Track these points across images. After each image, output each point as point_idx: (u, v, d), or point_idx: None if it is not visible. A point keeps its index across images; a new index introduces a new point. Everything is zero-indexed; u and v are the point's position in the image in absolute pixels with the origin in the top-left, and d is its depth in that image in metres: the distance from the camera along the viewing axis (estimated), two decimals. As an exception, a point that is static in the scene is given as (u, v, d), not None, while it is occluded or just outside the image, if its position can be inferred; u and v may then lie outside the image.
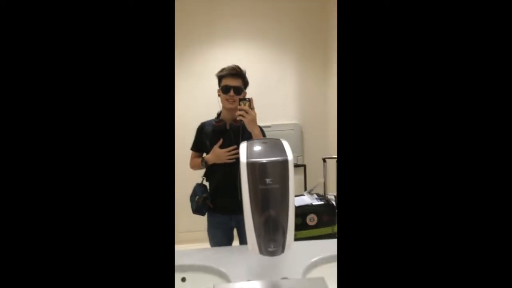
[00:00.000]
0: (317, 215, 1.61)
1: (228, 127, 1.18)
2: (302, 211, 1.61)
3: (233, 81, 1.12)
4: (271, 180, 0.47)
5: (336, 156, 1.85)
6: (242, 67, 1.18)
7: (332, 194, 1.83)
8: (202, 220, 1.29)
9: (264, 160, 0.47)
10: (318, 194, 1.80)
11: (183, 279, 0.93)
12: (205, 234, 1.29)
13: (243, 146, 0.52)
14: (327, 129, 2.42)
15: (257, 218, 0.48)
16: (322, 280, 0.76)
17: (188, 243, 1.90)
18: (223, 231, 1.23)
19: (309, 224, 1.60)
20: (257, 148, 0.51)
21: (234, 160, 1.13)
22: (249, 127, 1.05)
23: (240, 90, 1.14)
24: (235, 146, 1.12)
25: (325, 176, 1.87)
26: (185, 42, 2.26)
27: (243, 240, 1.22)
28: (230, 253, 1.03)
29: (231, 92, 1.13)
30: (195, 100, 2.26)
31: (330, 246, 1.05)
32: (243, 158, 0.48)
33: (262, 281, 0.78)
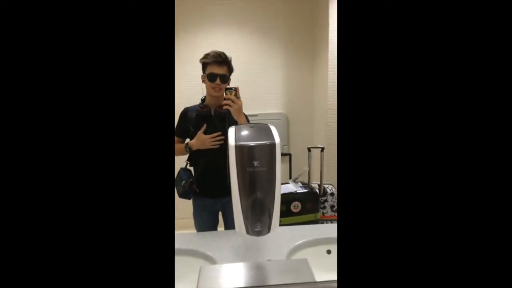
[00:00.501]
0: (301, 203, 1.66)
1: (212, 113, 1.18)
2: (286, 199, 1.64)
3: (219, 69, 1.12)
4: (258, 163, 0.48)
5: (321, 146, 1.89)
6: (227, 53, 1.17)
7: (316, 183, 1.88)
8: (186, 207, 1.29)
9: (252, 143, 0.48)
10: (302, 183, 1.84)
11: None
12: (188, 222, 1.30)
13: (231, 130, 0.53)
14: (313, 119, 2.46)
15: (244, 199, 0.50)
16: (305, 261, 0.80)
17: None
18: (209, 214, 1.25)
19: (293, 211, 1.64)
20: (245, 132, 0.52)
21: (218, 146, 1.14)
22: (235, 116, 1.06)
23: (226, 78, 1.14)
24: (219, 133, 1.13)
25: (309, 165, 1.91)
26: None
27: (228, 225, 1.25)
28: (216, 237, 1.05)
29: (217, 81, 1.13)
30: (178, 86, 2.23)
31: (313, 231, 1.09)
32: (231, 141, 0.49)
33: (248, 263, 0.81)
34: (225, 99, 1.07)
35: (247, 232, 0.52)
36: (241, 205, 0.50)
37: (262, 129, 0.53)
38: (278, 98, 2.47)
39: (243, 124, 1.06)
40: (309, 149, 1.96)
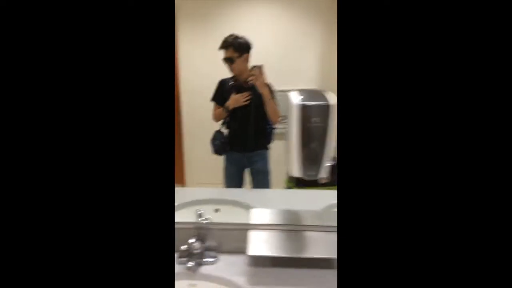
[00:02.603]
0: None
1: (243, 84, 1.34)
2: (316, 170, 1.77)
3: (226, 53, 1.29)
4: (317, 119, 0.60)
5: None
6: (252, 32, 1.30)
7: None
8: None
9: (313, 103, 0.60)
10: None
11: (217, 210, 1.11)
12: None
13: (294, 93, 0.64)
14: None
15: (302, 149, 0.62)
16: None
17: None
18: (237, 167, 1.44)
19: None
20: (307, 94, 0.63)
21: (248, 103, 1.32)
22: (260, 89, 1.24)
23: (230, 60, 1.30)
24: (248, 92, 1.30)
25: (340, 141, 1.99)
26: (205, 3, 2.27)
27: (254, 175, 1.41)
28: (255, 194, 1.20)
29: (228, 63, 1.30)
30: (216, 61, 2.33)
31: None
32: (295, 101, 0.61)
33: (291, 209, 0.95)
34: (251, 74, 1.25)
35: (301, 175, 0.64)
36: (300, 154, 0.63)
37: (321, 94, 0.64)
38: (314, 75, 2.50)
39: (266, 95, 1.23)
40: (340, 125, 2.03)
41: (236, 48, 1.30)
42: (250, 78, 1.23)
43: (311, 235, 0.80)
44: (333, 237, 0.80)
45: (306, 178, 0.64)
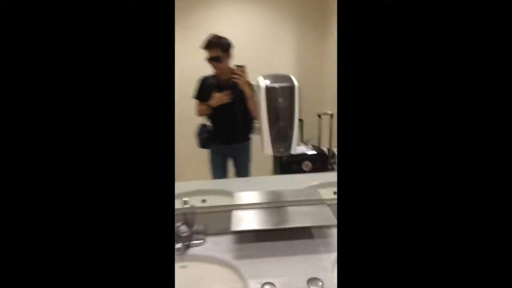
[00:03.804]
0: (312, 162, 1.85)
1: (223, 82, 1.42)
2: (299, 158, 1.84)
3: (211, 53, 1.36)
4: (282, 100, 0.66)
5: (330, 113, 2.04)
6: (227, 30, 1.37)
7: (325, 147, 2.06)
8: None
9: (278, 84, 0.66)
10: (313, 145, 2.03)
11: (204, 201, 1.16)
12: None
13: (261, 77, 0.71)
14: (322, 88, 2.58)
15: (271, 128, 0.68)
16: (315, 188, 1.00)
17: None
18: (221, 158, 1.52)
19: (304, 169, 1.85)
20: (271, 78, 0.69)
21: (230, 101, 1.39)
22: (243, 88, 1.31)
23: (219, 58, 1.36)
24: (229, 91, 1.38)
25: (320, 130, 2.08)
26: (184, 1, 2.31)
27: (239, 171, 1.50)
28: (240, 182, 1.26)
29: (212, 62, 1.36)
30: (193, 57, 2.38)
31: (322, 178, 1.29)
32: (262, 84, 0.67)
33: (268, 190, 1.01)
34: (234, 73, 1.31)
35: (273, 152, 0.71)
36: (269, 132, 0.69)
37: (285, 77, 0.71)
38: (289, 67, 2.58)
39: (248, 93, 1.30)
40: (319, 116, 2.12)
41: (223, 48, 1.38)
42: (234, 77, 1.31)
43: (291, 209, 0.87)
44: (312, 208, 0.87)
45: (278, 154, 0.70)
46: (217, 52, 1.36)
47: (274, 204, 0.88)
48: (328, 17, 2.42)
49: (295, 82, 0.68)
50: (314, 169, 1.95)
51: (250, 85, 1.35)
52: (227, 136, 1.49)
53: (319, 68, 2.62)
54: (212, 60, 1.37)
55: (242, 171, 1.46)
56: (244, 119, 1.44)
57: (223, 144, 1.50)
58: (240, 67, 1.33)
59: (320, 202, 0.89)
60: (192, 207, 0.88)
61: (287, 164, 1.58)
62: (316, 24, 2.52)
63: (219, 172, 1.50)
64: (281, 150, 0.70)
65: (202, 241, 0.84)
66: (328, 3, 2.38)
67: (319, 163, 1.97)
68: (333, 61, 2.28)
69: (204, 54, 1.43)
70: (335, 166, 2.15)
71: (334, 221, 0.79)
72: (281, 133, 0.69)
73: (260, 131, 0.72)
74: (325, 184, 1.21)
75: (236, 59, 1.46)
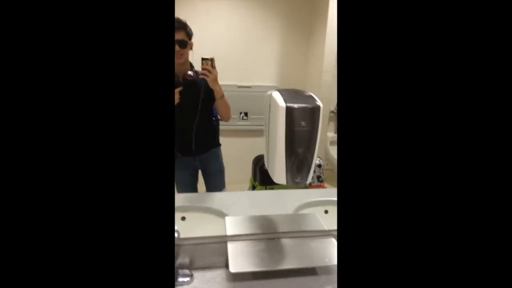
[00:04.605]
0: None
1: (181, 80, 1.20)
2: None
3: (176, 35, 1.16)
4: (305, 123, 0.55)
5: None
6: (209, 26, 1.18)
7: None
8: None
9: (301, 105, 0.55)
10: (294, 154, 1.97)
11: (183, 218, 1.02)
12: None
13: (276, 93, 0.59)
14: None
15: (288, 155, 0.58)
16: (314, 215, 0.91)
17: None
18: (189, 171, 1.30)
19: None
20: (292, 95, 0.58)
21: (179, 102, 1.17)
22: (211, 85, 1.12)
23: (184, 43, 1.17)
24: (180, 88, 1.15)
25: (301, 138, 2.02)
26: None
27: (209, 186, 1.32)
28: (223, 196, 1.13)
29: (176, 47, 1.16)
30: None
31: (309, 194, 1.22)
32: (281, 103, 0.56)
33: (263, 215, 0.91)
34: (202, 69, 1.12)
35: (287, 182, 0.60)
36: (286, 159, 0.58)
37: (305, 95, 0.60)
38: (271, 71, 2.49)
39: (219, 92, 1.12)
40: (301, 123, 2.07)
41: (188, 33, 1.17)
42: (201, 72, 1.11)
43: (288, 242, 0.77)
44: (311, 243, 0.78)
45: (293, 184, 0.60)
46: (182, 36, 1.15)
47: (273, 236, 0.78)
48: (316, 20, 2.37)
49: (319, 103, 0.58)
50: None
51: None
52: (194, 145, 1.23)
53: (303, 72, 2.57)
54: (177, 43, 1.13)
55: (215, 183, 1.27)
56: (211, 122, 1.23)
57: (188, 156, 1.25)
58: (208, 60, 1.10)
59: (326, 233, 0.81)
60: (178, 238, 0.74)
61: (267, 172, 1.48)
62: (303, 26, 2.46)
63: (188, 189, 1.28)
64: (297, 180, 0.60)
65: (188, 278, 0.71)
66: (317, 6, 2.32)
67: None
68: (318, 65, 2.24)
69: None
70: (314, 176, 2.12)
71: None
72: (299, 161, 0.58)
73: (272, 156, 0.61)
74: (316, 202, 1.14)
75: (217, 58, 1.24)
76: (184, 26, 1.15)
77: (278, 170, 0.60)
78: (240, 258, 0.69)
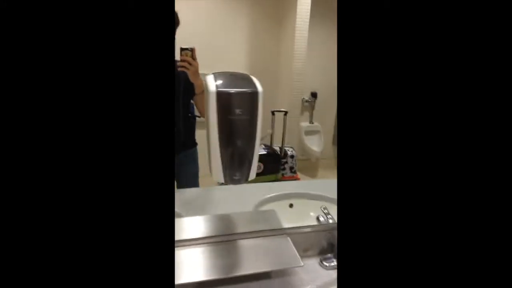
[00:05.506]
0: (264, 163, 1.71)
1: None
2: (249, 160, 1.69)
3: None
4: (241, 111, 0.47)
5: (284, 110, 1.93)
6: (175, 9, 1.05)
7: (277, 146, 1.94)
8: None
9: (235, 90, 0.47)
10: (265, 145, 1.89)
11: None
12: None
13: (210, 77, 0.50)
14: (277, 84, 2.46)
15: (224, 148, 0.49)
16: (273, 211, 0.84)
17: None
18: None
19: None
20: (226, 79, 0.50)
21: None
22: (192, 79, 1.00)
23: None
24: None
25: (272, 128, 1.95)
26: None
27: (181, 180, 1.22)
28: (180, 194, 1.04)
29: None
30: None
31: (275, 188, 1.15)
32: (212, 87, 0.47)
33: (217, 214, 0.83)
34: (181, 60, 0.99)
35: (225, 181, 0.52)
36: (221, 154, 0.49)
37: (243, 78, 0.51)
38: (242, 59, 2.40)
39: (200, 86, 1.01)
40: (272, 113, 1.98)
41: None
42: (180, 64, 0.98)
43: (245, 244, 0.70)
44: (271, 242, 0.71)
45: (231, 183, 0.52)
46: None
47: (224, 238, 0.70)
48: (286, 7, 2.27)
49: (259, 87, 0.49)
50: (266, 171, 1.82)
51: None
52: None
53: (274, 60, 2.49)
54: None
55: (188, 185, 1.16)
56: (188, 119, 1.11)
57: None
58: (188, 50, 0.98)
59: (281, 232, 0.74)
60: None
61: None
62: (272, 11, 2.36)
63: None
64: (236, 177, 0.52)
65: None
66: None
67: (271, 163, 1.84)
68: (289, 54, 2.16)
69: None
70: (287, 167, 2.06)
71: (297, 261, 0.64)
72: (237, 156, 0.50)
73: (209, 150, 0.52)
74: (280, 195, 1.08)
75: (180, 42, 1.14)
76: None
77: (215, 166, 0.51)
78: (185, 267, 0.61)
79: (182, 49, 0.99)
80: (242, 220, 0.80)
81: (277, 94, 2.46)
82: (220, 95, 0.46)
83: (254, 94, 0.48)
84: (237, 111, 0.47)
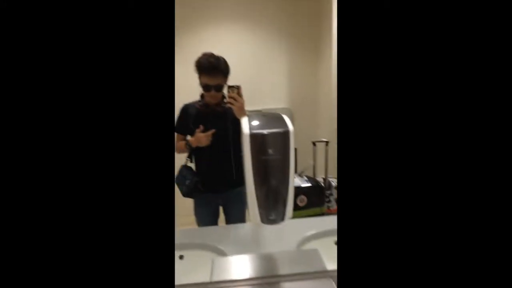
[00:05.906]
0: (307, 196, 1.66)
1: (215, 108, 1.16)
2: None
3: (212, 80, 1.08)
4: (273, 150, 0.48)
5: (325, 140, 1.89)
6: (219, 53, 1.12)
7: (321, 177, 1.88)
8: (186, 204, 1.27)
9: (266, 131, 0.48)
10: (307, 176, 1.84)
11: (181, 257, 0.95)
12: (188, 219, 1.29)
13: (244, 119, 0.53)
14: (317, 114, 2.45)
15: (258, 188, 0.50)
16: (316, 251, 0.80)
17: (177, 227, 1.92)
18: (211, 209, 1.24)
19: (299, 205, 1.65)
20: (259, 120, 0.52)
21: (220, 135, 1.12)
22: (238, 114, 1.05)
23: (220, 87, 1.11)
24: (213, 130, 1.10)
25: (314, 159, 1.91)
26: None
27: (229, 219, 1.24)
28: (224, 231, 1.05)
29: (212, 92, 1.10)
30: (183, 81, 2.23)
31: (320, 223, 1.09)
32: (245, 130, 0.49)
33: (259, 253, 0.81)
34: (228, 97, 1.06)
35: (262, 221, 0.52)
36: (256, 194, 0.50)
37: (275, 118, 0.53)
38: (282, 93, 2.46)
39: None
40: (314, 143, 1.96)
41: (225, 74, 1.09)
42: (228, 101, 1.05)
43: (286, 286, 0.66)
44: (309, 286, 0.67)
45: (268, 223, 0.51)
46: (219, 80, 1.07)
47: (266, 280, 0.68)
48: (322, 39, 2.33)
49: (290, 126, 0.50)
50: (310, 204, 1.75)
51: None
52: (218, 182, 1.15)
53: (313, 92, 2.51)
54: (212, 88, 1.07)
55: (237, 222, 1.17)
56: (239, 158, 1.11)
57: (213, 194, 1.17)
58: (234, 88, 1.03)
59: (324, 275, 0.69)
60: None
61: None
62: (309, 46, 2.43)
63: (206, 224, 1.21)
64: (271, 218, 0.51)
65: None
66: (322, 26, 2.30)
67: (315, 196, 1.78)
68: (328, 84, 2.16)
69: (195, 77, 1.13)
70: (332, 198, 1.96)
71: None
72: (271, 195, 0.50)
73: (246, 193, 0.53)
74: (326, 232, 1.02)
75: (228, 81, 1.16)
76: (220, 69, 1.08)
77: (251, 206, 0.52)
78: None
79: (229, 87, 1.06)
80: (284, 260, 0.77)
81: (317, 124, 2.44)
82: (253, 136, 0.48)
83: (285, 134, 0.49)
84: (270, 150, 0.48)
